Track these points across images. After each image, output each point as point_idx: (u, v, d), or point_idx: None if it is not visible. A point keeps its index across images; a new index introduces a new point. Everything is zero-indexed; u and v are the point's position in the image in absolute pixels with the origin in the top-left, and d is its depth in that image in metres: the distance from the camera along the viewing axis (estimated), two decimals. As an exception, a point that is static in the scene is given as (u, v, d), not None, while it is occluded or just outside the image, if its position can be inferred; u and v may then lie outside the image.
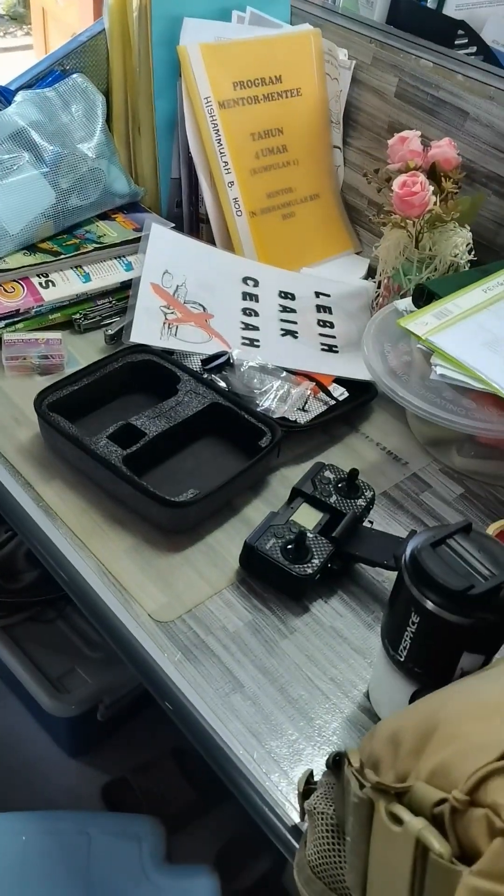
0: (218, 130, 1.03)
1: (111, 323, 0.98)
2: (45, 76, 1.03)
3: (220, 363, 0.89)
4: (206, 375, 0.88)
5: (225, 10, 1.06)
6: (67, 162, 0.98)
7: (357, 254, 1.18)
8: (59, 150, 0.97)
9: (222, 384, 0.87)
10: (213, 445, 0.84)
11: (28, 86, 1.03)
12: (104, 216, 1.05)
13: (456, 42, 1.07)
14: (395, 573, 0.70)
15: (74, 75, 1.02)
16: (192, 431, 0.83)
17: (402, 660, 0.57)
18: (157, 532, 0.75)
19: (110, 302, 1.00)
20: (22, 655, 1.26)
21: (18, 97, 0.98)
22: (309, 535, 0.71)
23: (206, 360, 0.90)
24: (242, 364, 0.89)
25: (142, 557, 0.73)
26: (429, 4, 1.09)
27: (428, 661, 0.56)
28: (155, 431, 0.79)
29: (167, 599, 0.70)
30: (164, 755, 1.32)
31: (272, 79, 1.07)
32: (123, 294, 1.00)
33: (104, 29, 1.05)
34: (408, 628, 0.55)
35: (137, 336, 0.90)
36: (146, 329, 0.92)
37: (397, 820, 0.39)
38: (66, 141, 0.99)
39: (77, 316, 0.97)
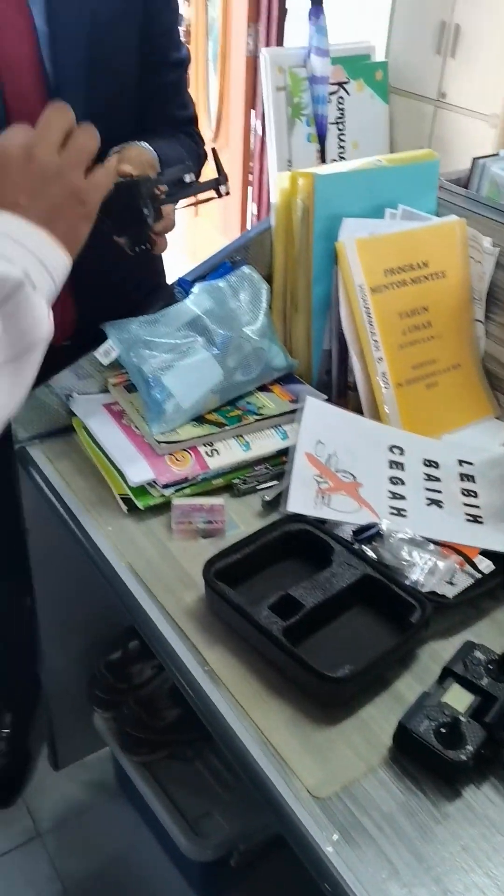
0: (369, 313, 1.13)
1: (267, 488, 1.06)
2: (218, 267, 1.17)
3: (370, 534, 0.95)
4: (357, 546, 0.94)
5: (379, 207, 1.18)
6: (234, 344, 1.10)
7: (497, 418, 1.23)
8: (227, 334, 1.09)
9: (372, 555, 0.93)
10: (364, 615, 0.89)
11: (202, 276, 1.17)
12: (262, 387, 1.16)
13: None
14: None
15: (243, 267, 1.16)
16: (345, 602, 0.88)
17: None
18: (313, 703, 0.79)
19: (266, 467, 1.08)
20: (161, 794, 1.31)
21: (195, 289, 1.12)
22: (462, 720, 0.74)
23: (358, 531, 0.96)
24: (391, 536, 0.94)
25: (299, 729, 0.77)
26: None
27: None
28: (312, 603, 0.85)
29: (324, 774, 0.73)
30: (293, 908, 1.31)
31: (419, 264, 1.17)
32: (279, 460, 1.09)
33: (270, 226, 1.19)
34: None
35: (293, 506, 0.98)
36: (301, 499, 0.99)
37: None
38: (234, 325, 1.11)
39: (236, 481, 1.06)
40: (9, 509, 1.21)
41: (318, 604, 0.86)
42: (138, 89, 1.09)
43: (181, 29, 3.43)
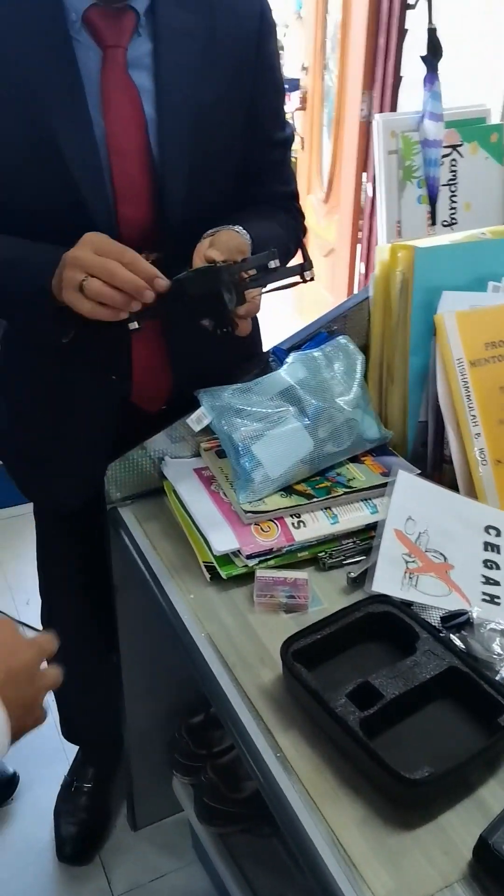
0: (468, 387, 1.10)
1: (354, 563, 1.03)
2: (314, 336, 1.17)
3: (459, 622, 0.90)
4: (444, 634, 0.89)
5: (481, 280, 1.15)
6: (326, 414, 1.08)
7: None
8: (319, 405, 1.09)
9: (461, 645, 0.88)
10: (447, 710, 0.84)
11: (298, 345, 1.17)
12: (354, 458, 1.14)
13: None
14: None
15: (340, 337, 1.15)
16: (428, 694, 0.84)
17: None
18: (388, 803, 0.75)
19: (354, 542, 1.06)
20: (235, 869, 1.27)
21: (290, 358, 1.12)
22: (550, 840, 0.68)
23: (446, 618, 0.91)
24: (483, 626, 0.89)
25: (372, 831, 0.73)
26: None
27: None
28: (392, 694, 0.81)
29: (396, 885, 0.69)
30: None
31: (523, 338, 1.13)
32: (367, 535, 1.06)
33: (368, 297, 1.18)
34: None
35: (379, 586, 0.95)
36: (388, 578, 0.96)
37: None
38: (327, 395, 1.10)
39: (322, 554, 1.04)
40: (102, 565, 1.23)
41: (399, 695, 0.82)
42: (240, 167, 1.11)
43: (298, 96, 3.52)
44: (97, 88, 0.99)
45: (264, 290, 0.96)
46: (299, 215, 1.21)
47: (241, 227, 1.02)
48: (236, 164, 1.10)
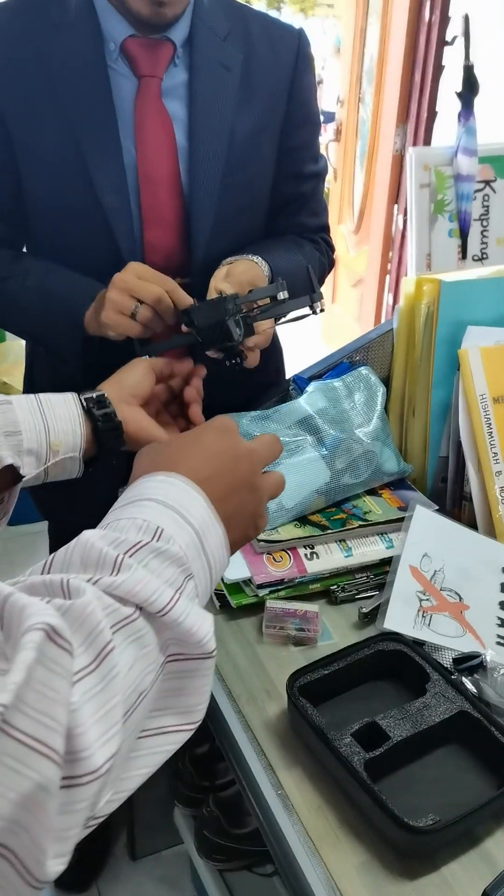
0: (490, 423, 1.08)
1: (366, 598, 1.01)
2: (336, 366, 1.16)
3: (472, 665, 0.88)
4: (456, 676, 0.87)
5: (506, 315, 1.14)
6: (345, 445, 1.07)
7: None
8: (338, 435, 1.07)
9: (472, 689, 0.86)
10: (456, 756, 0.82)
11: (319, 375, 1.16)
12: (372, 491, 1.12)
13: None
14: None
15: (361, 368, 1.14)
16: (437, 738, 0.81)
17: None
18: (389, 850, 0.73)
19: (367, 576, 1.04)
20: (233, 907, 1.24)
21: (310, 388, 1.11)
22: None
23: (459, 660, 0.89)
24: (496, 670, 0.87)
25: (373, 879, 0.71)
26: None
27: None
28: (399, 736, 0.79)
29: (394, 938, 0.66)
30: None
31: (549, 375, 1.11)
32: (381, 569, 1.04)
33: (392, 329, 1.17)
34: None
35: (391, 623, 0.92)
36: (400, 616, 0.94)
37: None
38: (346, 426, 1.09)
39: (335, 587, 1.02)
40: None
41: (407, 738, 0.79)
42: (271, 198, 1.11)
43: (333, 128, 3.55)
44: (130, 116, 1.00)
45: (278, 322, 0.95)
46: (327, 247, 1.21)
47: (260, 258, 1.01)
48: (266, 195, 1.10)
